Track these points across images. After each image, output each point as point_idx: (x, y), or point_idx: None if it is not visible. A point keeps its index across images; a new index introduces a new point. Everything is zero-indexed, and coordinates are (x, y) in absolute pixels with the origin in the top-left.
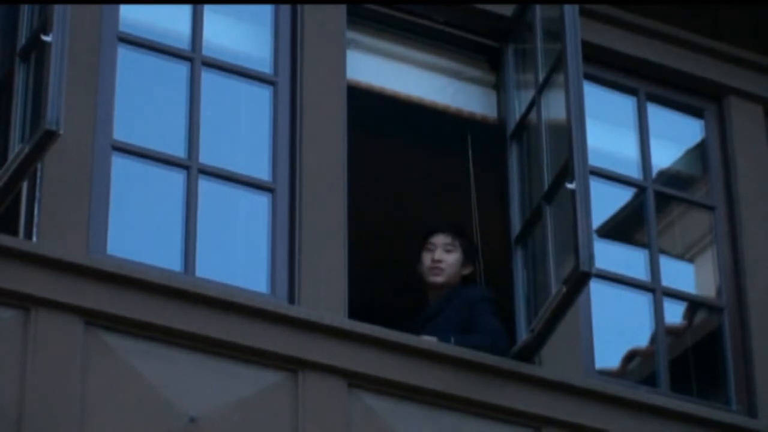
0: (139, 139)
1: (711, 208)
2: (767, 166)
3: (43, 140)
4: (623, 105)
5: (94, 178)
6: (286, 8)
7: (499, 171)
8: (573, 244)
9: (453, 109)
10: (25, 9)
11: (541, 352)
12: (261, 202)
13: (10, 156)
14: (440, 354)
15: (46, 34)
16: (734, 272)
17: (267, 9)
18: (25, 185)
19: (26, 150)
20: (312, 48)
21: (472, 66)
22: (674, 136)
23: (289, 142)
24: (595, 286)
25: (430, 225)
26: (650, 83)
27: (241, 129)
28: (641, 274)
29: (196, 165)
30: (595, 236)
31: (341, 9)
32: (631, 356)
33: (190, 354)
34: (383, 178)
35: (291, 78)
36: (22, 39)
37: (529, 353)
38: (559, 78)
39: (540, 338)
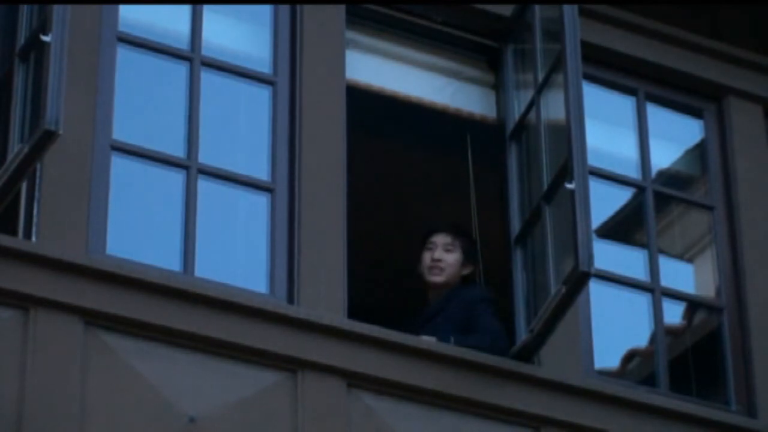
0: (139, 139)
1: (710, 208)
2: (767, 166)
3: (43, 140)
4: (622, 105)
5: (93, 178)
6: (285, 8)
7: (498, 171)
8: (572, 244)
9: (452, 109)
10: (24, 9)
11: (540, 352)
12: (260, 202)
13: (10, 156)
14: (440, 354)
15: (46, 34)
16: (734, 272)
17: (266, 9)
18: (24, 185)
19: (25, 150)
20: (311, 48)
21: (472, 66)
22: (673, 136)
23: (288, 142)
24: (595, 286)
25: (431, 224)
26: (649, 83)
27: (241, 129)
28: (640, 274)
29: (195, 165)
30: (594, 236)
31: (340, 9)
32: (630, 356)
33: (190, 354)
34: (382, 178)
35: (290, 78)
36: (21, 39)
37: (528, 353)
38: (559, 78)
39: (539, 338)
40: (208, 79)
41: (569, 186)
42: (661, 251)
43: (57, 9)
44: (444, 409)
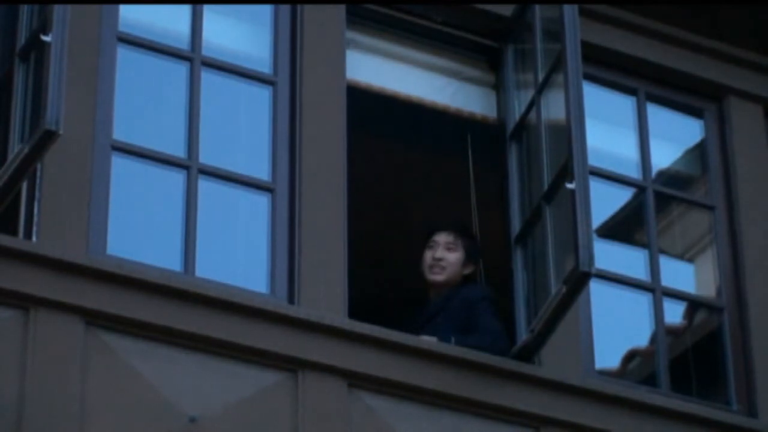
0: (139, 139)
1: (710, 208)
2: (767, 166)
3: (43, 140)
4: (623, 105)
5: (93, 178)
6: (285, 8)
7: (498, 171)
8: (573, 244)
9: (453, 109)
10: (24, 9)
11: (540, 352)
12: (261, 202)
13: (10, 156)
14: (440, 354)
15: (46, 34)
16: (734, 272)
17: (266, 9)
18: (24, 185)
19: (26, 150)
20: (311, 48)
21: (472, 66)
22: (674, 136)
23: (288, 142)
24: (595, 286)
25: (433, 223)
26: (650, 83)
27: (241, 129)
28: (641, 274)
29: (195, 165)
30: (594, 236)
31: (341, 9)
32: (631, 356)
33: (190, 354)
34: (383, 178)
35: (290, 78)
36: (21, 39)
37: (528, 353)
38: (559, 78)
39: (540, 338)
40: (208, 79)
41: (570, 186)
42: (662, 251)
43: (57, 9)
44: (444, 409)
